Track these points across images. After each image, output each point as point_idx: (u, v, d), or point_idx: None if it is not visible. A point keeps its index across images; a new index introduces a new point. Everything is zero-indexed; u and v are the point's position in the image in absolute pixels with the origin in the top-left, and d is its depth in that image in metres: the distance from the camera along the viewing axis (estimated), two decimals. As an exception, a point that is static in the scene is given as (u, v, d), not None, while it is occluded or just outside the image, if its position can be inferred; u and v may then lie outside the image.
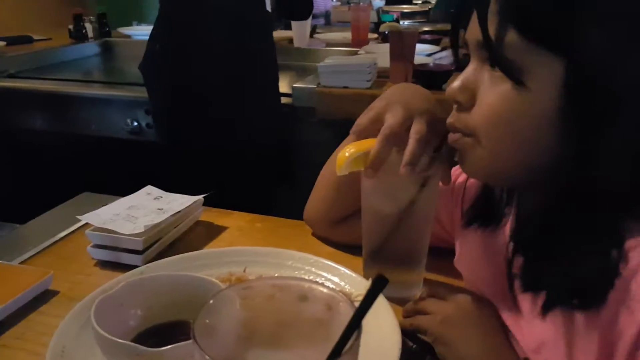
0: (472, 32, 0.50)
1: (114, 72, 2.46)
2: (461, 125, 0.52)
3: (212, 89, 1.46)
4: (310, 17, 2.30)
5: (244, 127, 1.50)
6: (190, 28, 1.45)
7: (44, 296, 0.67)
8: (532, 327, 0.51)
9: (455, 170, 0.65)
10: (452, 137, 0.54)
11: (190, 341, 0.47)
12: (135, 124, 1.78)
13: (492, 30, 0.46)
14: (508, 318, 0.55)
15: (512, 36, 0.45)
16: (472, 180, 0.67)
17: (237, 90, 1.47)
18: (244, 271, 0.67)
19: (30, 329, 0.62)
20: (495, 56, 0.47)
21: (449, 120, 0.54)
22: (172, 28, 1.47)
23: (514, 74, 0.46)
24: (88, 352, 0.53)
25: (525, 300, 0.52)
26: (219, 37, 1.43)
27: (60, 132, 1.93)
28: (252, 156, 1.53)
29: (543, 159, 0.48)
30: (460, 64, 0.55)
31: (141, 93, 1.62)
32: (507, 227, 0.59)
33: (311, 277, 0.65)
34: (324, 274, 0.68)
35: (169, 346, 0.47)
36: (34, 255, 0.78)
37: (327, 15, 3.03)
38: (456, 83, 0.51)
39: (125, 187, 0.88)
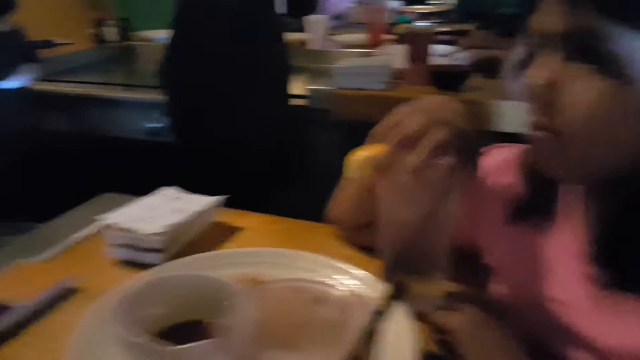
0: (550, 22, 0.47)
1: (134, 74, 2.49)
2: (548, 124, 0.49)
3: (223, 90, 1.48)
4: (325, 19, 2.31)
5: (254, 128, 1.52)
6: (201, 31, 1.47)
7: (64, 295, 0.69)
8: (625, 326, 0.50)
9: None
10: (536, 135, 0.51)
11: (208, 340, 0.48)
12: (154, 125, 1.80)
13: (578, 20, 0.44)
14: (582, 317, 0.54)
15: (608, 25, 0.42)
16: (508, 178, 0.66)
17: (247, 92, 1.49)
18: (259, 272, 0.67)
19: (50, 328, 0.64)
20: (591, 49, 0.44)
21: (533, 118, 0.50)
22: (185, 31, 1.50)
23: (615, 68, 0.43)
24: (107, 351, 0.54)
25: (620, 302, 0.50)
26: (228, 39, 1.45)
27: (81, 133, 1.97)
28: (265, 157, 1.54)
29: (633, 157, 0.46)
30: (530, 60, 0.51)
31: (160, 95, 1.64)
32: (570, 226, 0.57)
33: (326, 280, 0.66)
34: (339, 276, 0.68)
35: (187, 345, 0.48)
36: (54, 254, 0.80)
37: (342, 16, 3.03)
38: (539, 80, 0.48)
39: (145, 188, 0.90)
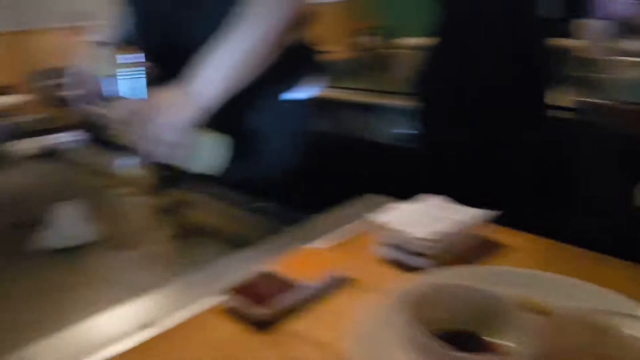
0: None
1: (386, 81, 2.60)
2: None
3: (476, 97, 1.43)
4: (603, 23, 2.07)
5: (509, 140, 1.44)
6: (466, 37, 1.45)
7: (339, 283, 0.73)
8: None
9: None
10: None
11: (497, 356, 0.47)
12: (401, 131, 1.84)
13: None
14: None
15: None
16: None
17: (505, 101, 1.42)
18: (538, 297, 0.62)
19: (328, 310, 0.68)
20: None
21: None
22: (449, 38, 1.50)
23: None
24: (387, 345, 0.56)
25: None
26: (491, 45, 1.40)
27: (343, 136, 2.13)
28: (524, 173, 1.45)
29: None
30: None
31: (409, 102, 1.68)
32: None
33: (623, 318, 0.57)
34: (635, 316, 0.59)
35: (475, 354, 0.47)
36: (327, 244, 0.85)
37: (628, 21, 2.68)
38: None
39: (407, 194, 0.91)
